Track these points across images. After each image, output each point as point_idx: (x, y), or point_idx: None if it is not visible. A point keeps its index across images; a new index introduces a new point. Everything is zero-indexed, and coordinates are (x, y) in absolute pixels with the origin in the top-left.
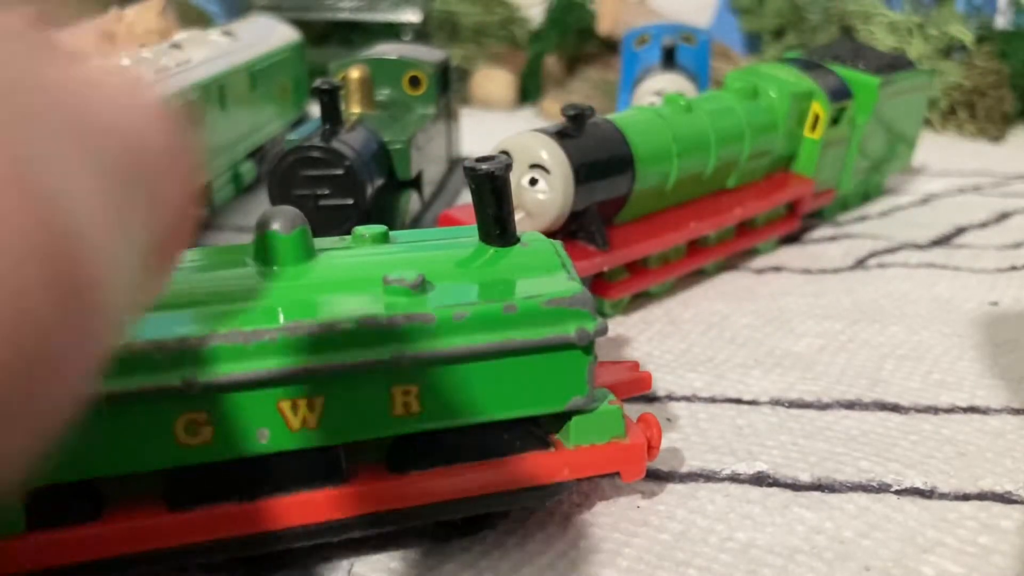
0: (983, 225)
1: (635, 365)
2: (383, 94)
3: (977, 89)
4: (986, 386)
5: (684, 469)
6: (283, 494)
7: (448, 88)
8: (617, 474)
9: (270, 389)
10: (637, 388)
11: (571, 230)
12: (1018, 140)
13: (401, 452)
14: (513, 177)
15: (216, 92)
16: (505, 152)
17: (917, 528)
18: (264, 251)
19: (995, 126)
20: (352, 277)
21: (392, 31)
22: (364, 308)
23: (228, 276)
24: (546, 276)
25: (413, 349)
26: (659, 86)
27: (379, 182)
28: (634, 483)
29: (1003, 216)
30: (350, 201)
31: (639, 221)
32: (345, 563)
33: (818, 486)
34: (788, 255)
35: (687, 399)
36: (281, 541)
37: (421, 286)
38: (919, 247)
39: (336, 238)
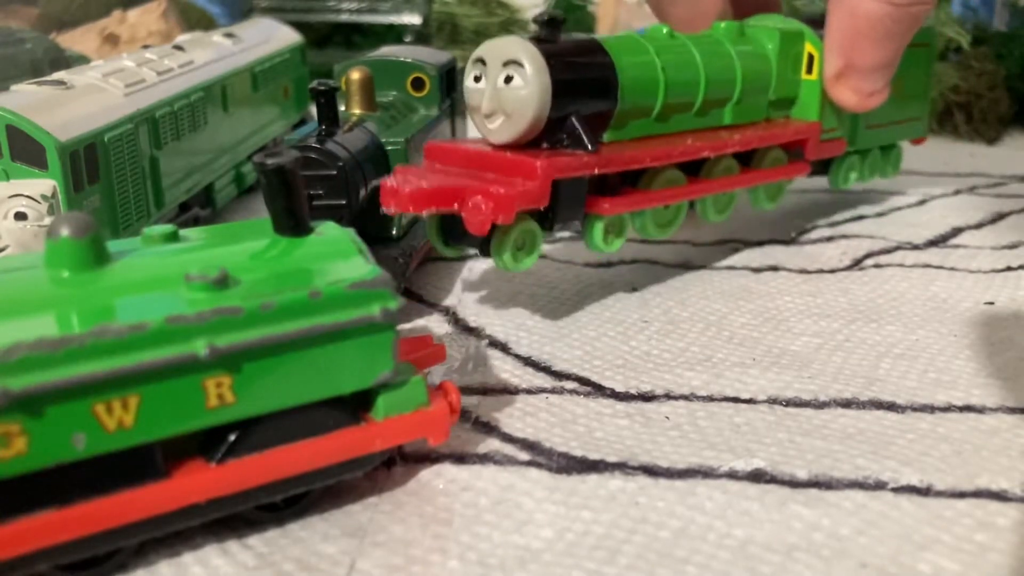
0: (979, 226)
1: (429, 339)
2: (389, 95)
3: (973, 91)
4: (982, 385)
5: (682, 466)
6: (102, 495)
7: (454, 89)
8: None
9: (83, 394)
10: (434, 360)
11: (557, 139)
12: (1014, 142)
13: (216, 442)
14: (489, 82)
15: (219, 93)
16: (480, 59)
17: (913, 525)
18: (58, 257)
19: (991, 128)
20: (152, 277)
21: (393, 33)
22: (170, 306)
23: (24, 286)
24: (344, 262)
25: (223, 342)
26: None
27: (375, 183)
28: (634, 482)
29: (999, 217)
30: (343, 202)
31: (632, 141)
32: (346, 561)
33: (815, 483)
34: (785, 255)
35: (685, 398)
36: (104, 543)
37: (224, 281)
38: (915, 247)
39: (126, 240)
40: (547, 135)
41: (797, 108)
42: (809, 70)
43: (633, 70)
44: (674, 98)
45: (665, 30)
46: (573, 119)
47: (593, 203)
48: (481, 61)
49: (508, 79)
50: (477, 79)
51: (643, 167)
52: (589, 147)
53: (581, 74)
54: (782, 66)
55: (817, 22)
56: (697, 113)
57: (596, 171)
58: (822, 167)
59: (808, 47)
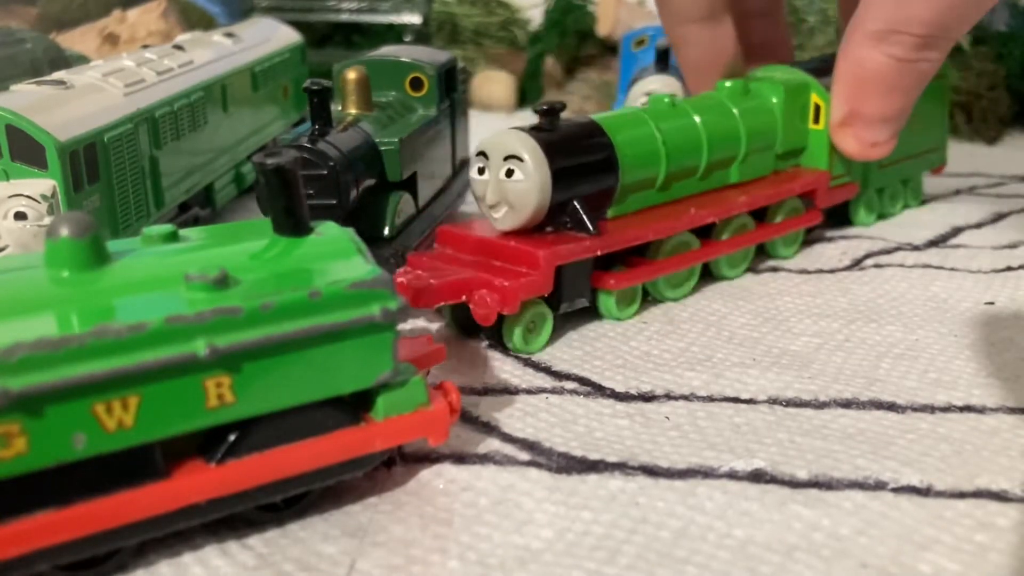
0: (979, 226)
1: (430, 339)
2: (388, 95)
3: (973, 91)
4: (982, 385)
5: (682, 466)
6: (102, 495)
7: (455, 90)
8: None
9: (83, 394)
10: (434, 360)
11: (561, 222)
12: (1014, 142)
13: (216, 442)
14: (492, 175)
15: (218, 93)
16: (482, 152)
17: (914, 526)
18: (58, 257)
19: (991, 128)
20: (152, 277)
21: (393, 33)
22: (170, 306)
23: (24, 285)
24: (344, 262)
25: (223, 342)
26: (651, 87)
27: (367, 183)
28: (634, 482)
29: (999, 217)
30: (333, 202)
31: (635, 214)
32: (347, 560)
33: (815, 483)
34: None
35: (685, 398)
36: (104, 543)
37: (224, 281)
38: (915, 247)
39: (126, 240)
40: (551, 219)
41: (806, 157)
42: (816, 120)
43: (632, 146)
44: (677, 166)
45: (667, 99)
46: (575, 203)
47: (600, 279)
48: (483, 155)
49: (509, 172)
50: (481, 171)
51: (646, 242)
52: (591, 229)
53: (580, 159)
54: (788, 118)
55: (822, 71)
56: (702, 177)
57: (598, 253)
58: (843, 207)
59: (814, 97)
